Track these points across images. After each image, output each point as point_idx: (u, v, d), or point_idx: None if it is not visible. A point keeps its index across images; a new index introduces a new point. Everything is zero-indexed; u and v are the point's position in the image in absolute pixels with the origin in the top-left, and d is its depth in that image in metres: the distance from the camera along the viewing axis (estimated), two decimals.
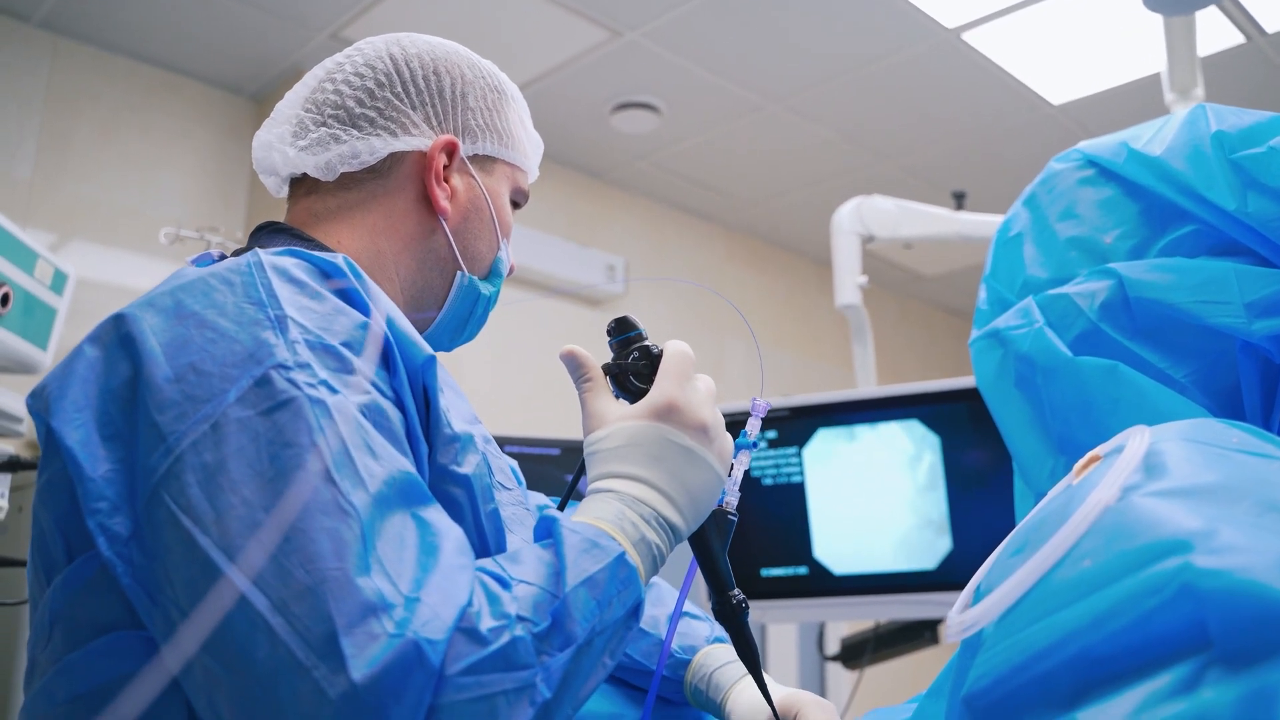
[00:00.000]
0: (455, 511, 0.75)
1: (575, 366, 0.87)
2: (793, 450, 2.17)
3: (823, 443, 2.14)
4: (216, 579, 0.61)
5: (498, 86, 1.01)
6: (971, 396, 1.87)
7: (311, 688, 0.58)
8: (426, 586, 0.62)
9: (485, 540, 0.77)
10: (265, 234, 0.93)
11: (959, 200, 3.00)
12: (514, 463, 1.05)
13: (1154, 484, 0.57)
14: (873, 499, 2.08)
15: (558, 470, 2.53)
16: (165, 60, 3.55)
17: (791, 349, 5.33)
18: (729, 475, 0.88)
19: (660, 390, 0.82)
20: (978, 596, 0.65)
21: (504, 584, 0.67)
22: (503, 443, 2.61)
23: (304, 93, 0.95)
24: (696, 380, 0.84)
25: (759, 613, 2.13)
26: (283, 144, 0.94)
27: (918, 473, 2.05)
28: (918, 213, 2.27)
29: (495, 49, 3.46)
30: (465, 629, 0.62)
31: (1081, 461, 0.70)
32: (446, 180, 0.95)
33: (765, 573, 2.18)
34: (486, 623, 0.63)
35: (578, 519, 0.76)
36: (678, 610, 0.90)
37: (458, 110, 0.96)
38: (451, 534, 0.68)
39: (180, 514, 0.64)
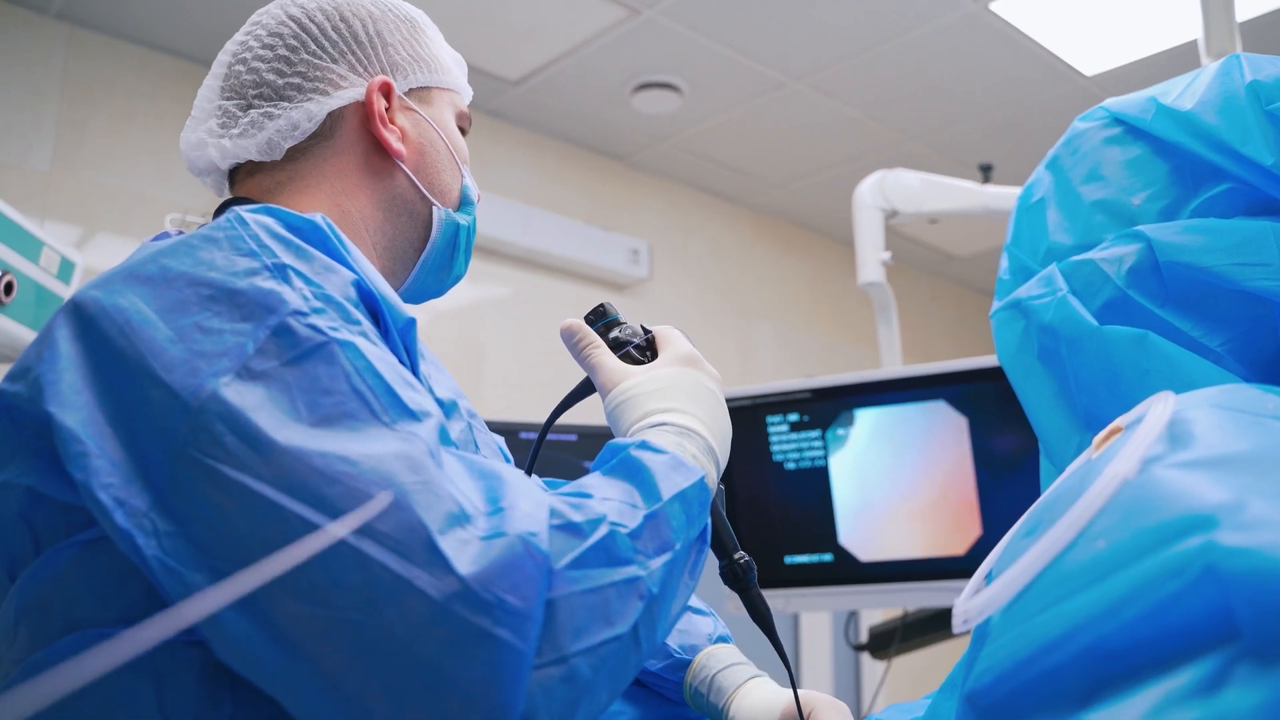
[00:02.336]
0: None
1: (577, 336, 0.87)
2: (815, 434, 2.12)
3: (846, 426, 2.08)
4: (284, 519, 0.57)
5: (407, 16, 0.97)
6: (999, 376, 1.79)
7: (418, 598, 0.54)
8: (505, 498, 0.60)
9: None
10: (231, 208, 0.88)
11: (985, 173, 2.91)
12: (499, 439, 1.01)
13: (1178, 454, 0.51)
14: (898, 483, 2.03)
15: (576, 457, 2.49)
16: (179, 48, 3.53)
17: (820, 331, 5.26)
18: None
19: (680, 346, 0.85)
20: (989, 582, 0.59)
21: (584, 496, 0.66)
22: (524, 429, 2.57)
23: (217, 82, 0.92)
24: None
25: (783, 601, 2.08)
26: (214, 138, 0.89)
27: (945, 456, 1.99)
28: (943, 186, 2.20)
29: (511, 31, 3.41)
30: (560, 525, 0.61)
31: (1102, 434, 0.64)
32: (392, 122, 0.91)
33: (789, 560, 2.13)
34: (580, 516, 0.62)
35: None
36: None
37: (379, 50, 0.92)
38: (508, 467, 0.66)
39: (220, 466, 0.59)
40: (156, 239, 0.80)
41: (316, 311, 0.65)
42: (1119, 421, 0.63)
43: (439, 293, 1.00)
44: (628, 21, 3.34)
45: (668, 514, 0.67)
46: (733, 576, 0.85)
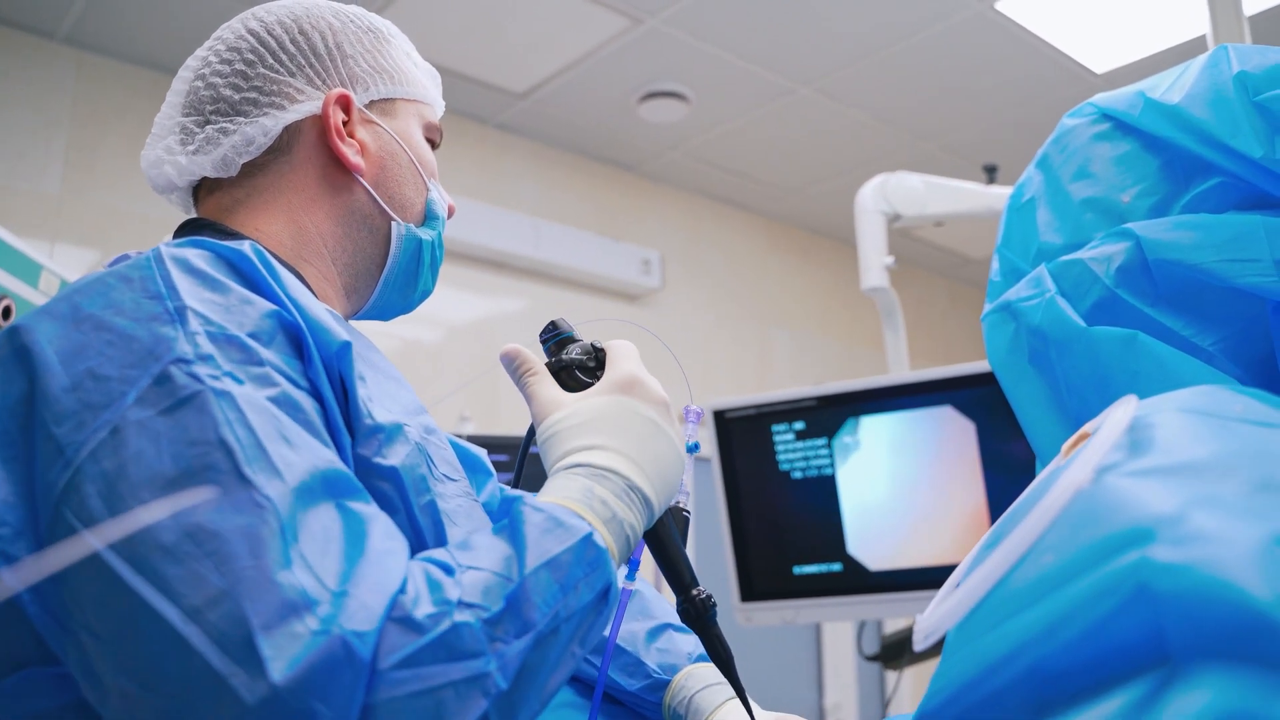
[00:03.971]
0: (385, 505, 0.70)
1: (516, 362, 0.83)
2: (822, 441, 2.09)
3: (852, 433, 2.05)
4: (124, 594, 0.56)
5: (371, 27, 0.95)
6: None
7: (231, 697, 0.52)
8: (354, 578, 0.57)
9: (421, 535, 0.72)
10: (188, 231, 0.88)
11: (990, 174, 2.88)
12: (481, 451, 0.99)
13: (1135, 462, 0.48)
14: (906, 491, 1.99)
15: None
16: None
17: (838, 337, 5.22)
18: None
19: (619, 368, 0.80)
20: None
21: (448, 570, 0.62)
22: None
23: (178, 99, 0.90)
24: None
25: (792, 612, 2.05)
26: (172, 155, 0.88)
27: (953, 461, 1.96)
28: (947, 188, 2.17)
29: (515, 44, 3.41)
30: (398, 618, 0.57)
31: (1071, 439, 0.62)
32: (351, 135, 0.89)
33: (798, 570, 2.10)
34: (424, 609, 0.58)
35: (542, 498, 0.70)
36: (621, 610, 0.85)
37: (337, 62, 0.90)
38: (379, 520, 0.63)
39: (84, 530, 0.59)
40: (112, 263, 0.79)
41: (202, 358, 0.64)
42: (1087, 427, 0.61)
43: (406, 309, 0.98)
44: (631, 31, 3.33)
45: (533, 588, 0.62)
46: (689, 615, 0.80)
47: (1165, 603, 0.34)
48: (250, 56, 0.88)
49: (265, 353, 0.67)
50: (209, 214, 0.89)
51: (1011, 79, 3.65)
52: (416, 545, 0.72)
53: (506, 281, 4.10)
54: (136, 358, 0.63)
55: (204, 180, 0.90)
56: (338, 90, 0.89)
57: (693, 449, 0.89)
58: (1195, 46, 3.36)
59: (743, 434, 2.15)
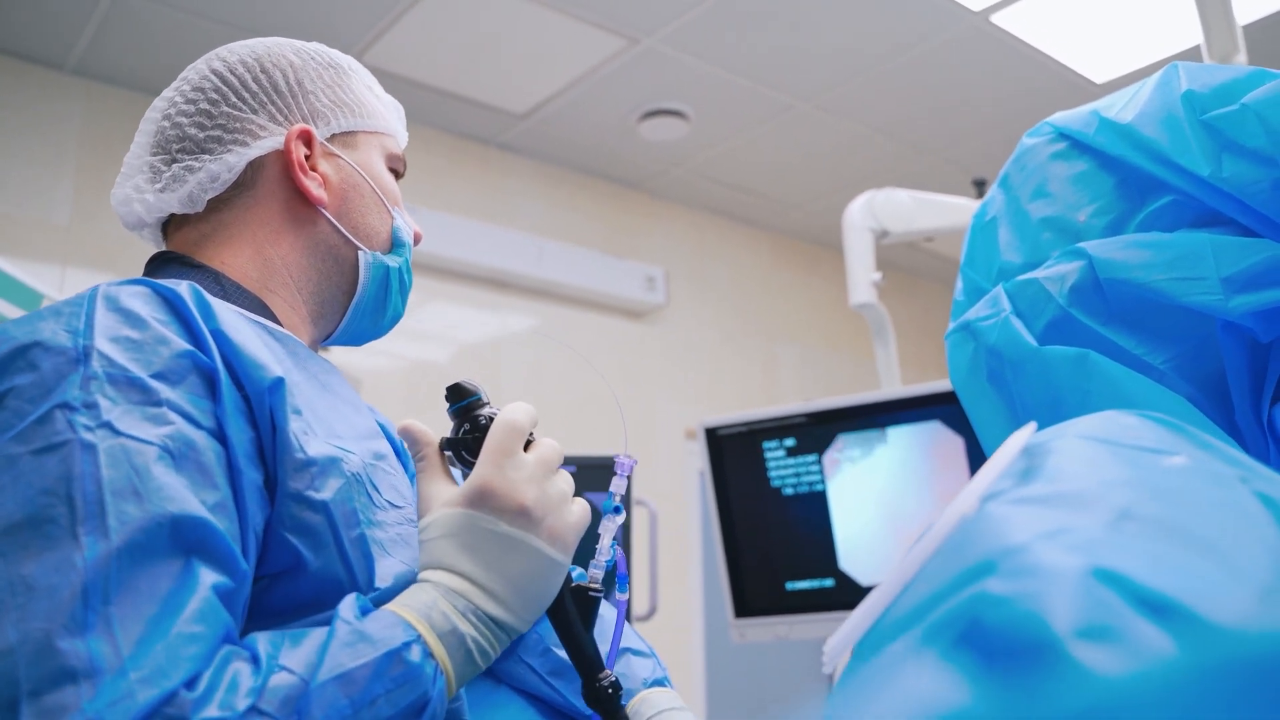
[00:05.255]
0: (314, 539, 0.72)
1: (410, 444, 0.83)
2: (812, 458, 2.09)
3: (841, 449, 2.05)
4: None
5: (331, 63, 0.97)
6: None
7: None
8: (147, 658, 0.58)
9: (351, 567, 0.73)
10: (157, 265, 0.90)
11: (980, 188, 2.88)
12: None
13: (1020, 490, 0.49)
14: (897, 506, 2.00)
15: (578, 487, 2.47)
16: None
17: (846, 351, 5.21)
18: (596, 545, 0.84)
19: (475, 474, 0.77)
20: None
21: (258, 668, 0.62)
22: None
23: (147, 139, 0.93)
24: (520, 456, 0.78)
25: (785, 628, 2.05)
26: (140, 193, 0.91)
27: (942, 476, 1.96)
28: (935, 203, 2.17)
29: (514, 66, 3.44)
30: (171, 715, 0.57)
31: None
32: (314, 169, 0.92)
33: (790, 586, 2.10)
34: (206, 712, 0.58)
35: (388, 606, 0.71)
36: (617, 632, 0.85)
37: (299, 99, 0.93)
38: (201, 594, 0.63)
39: None
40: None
41: (87, 406, 0.65)
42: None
43: (376, 334, 1.00)
44: (627, 51, 3.35)
45: (316, 702, 0.61)
46: (594, 699, 0.79)
47: (991, 637, 0.34)
48: (214, 95, 0.90)
49: (168, 392, 0.69)
50: (177, 248, 0.92)
51: (1011, 90, 3.66)
52: (345, 577, 0.73)
53: (512, 300, 4.12)
54: (37, 392, 0.66)
55: (172, 216, 0.92)
56: (299, 125, 0.91)
57: (613, 510, 0.86)
58: (1194, 56, 3.36)
59: (735, 451, 2.15)
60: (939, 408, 1.94)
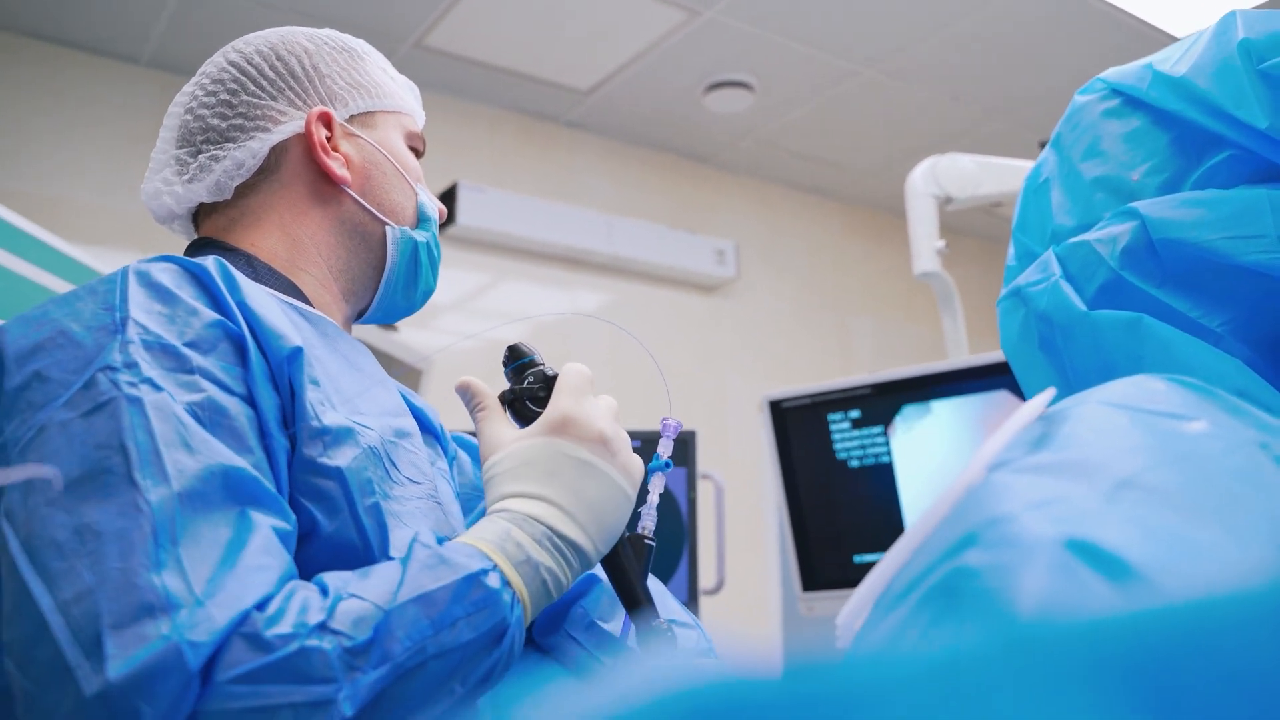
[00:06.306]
0: (328, 504, 0.74)
1: (468, 397, 0.85)
2: (878, 430, 2.07)
3: (908, 420, 2.02)
4: (18, 581, 0.62)
5: (345, 47, 0.99)
6: None
7: (74, 690, 0.57)
8: (215, 588, 0.60)
9: (365, 533, 0.75)
10: (194, 251, 0.93)
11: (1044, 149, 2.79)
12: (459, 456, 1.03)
13: (1030, 457, 0.48)
14: None
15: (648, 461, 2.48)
16: None
17: (920, 322, 5.13)
18: (645, 499, 0.86)
19: (554, 406, 0.80)
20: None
21: (326, 594, 0.64)
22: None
23: (171, 134, 0.96)
24: (595, 397, 0.82)
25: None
26: (170, 186, 0.94)
27: None
28: (1002, 168, 2.11)
29: (577, 42, 3.43)
30: (247, 634, 0.60)
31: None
32: (335, 149, 0.94)
33: (858, 559, 2.08)
34: (279, 629, 0.60)
35: (460, 539, 0.72)
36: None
37: (315, 82, 0.95)
38: (263, 532, 0.65)
39: (3, 520, 0.65)
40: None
41: (127, 366, 0.68)
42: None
43: (410, 309, 1.02)
44: (689, 24, 3.32)
45: (397, 622, 0.64)
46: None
47: (963, 610, 0.33)
48: (233, 85, 0.93)
49: (200, 360, 0.71)
50: (208, 235, 0.95)
51: (1088, 49, 3.54)
52: (360, 545, 0.74)
53: (584, 278, 4.13)
54: (79, 363, 0.69)
55: (201, 206, 0.95)
56: (318, 108, 0.93)
57: (663, 467, 0.88)
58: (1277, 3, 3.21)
59: (799, 424, 2.14)
60: (1006, 376, 1.90)
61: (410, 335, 3.47)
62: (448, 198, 3.74)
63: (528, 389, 0.83)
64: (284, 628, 0.60)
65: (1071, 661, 0.23)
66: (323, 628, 0.61)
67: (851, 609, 0.51)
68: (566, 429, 0.79)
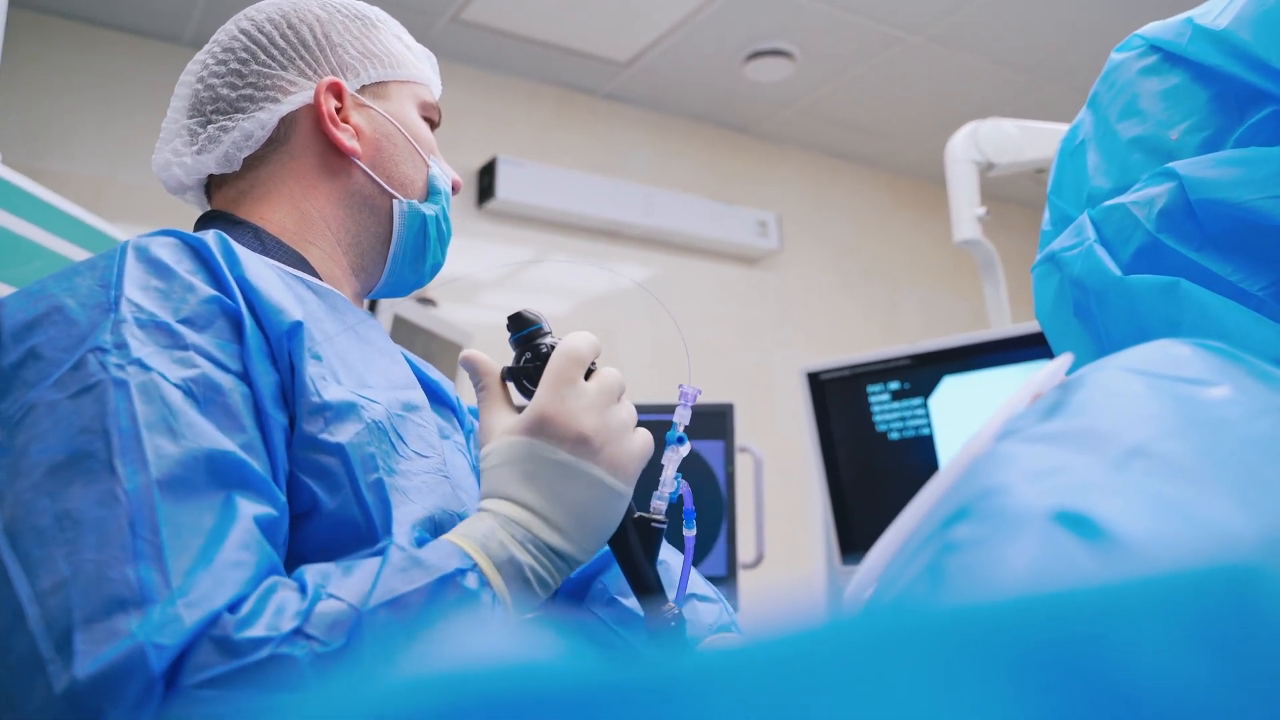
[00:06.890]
0: (329, 481, 0.73)
1: (471, 373, 0.83)
2: (918, 401, 2.03)
3: (949, 391, 1.99)
4: (1, 567, 0.61)
5: (358, 15, 0.97)
6: None
7: (43, 685, 0.56)
8: (192, 583, 0.59)
9: (368, 511, 0.74)
10: (203, 224, 0.93)
11: None
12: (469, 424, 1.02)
13: (1040, 425, 0.46)
14: None
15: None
16: None
17: (967, 294, 5.05)
18: (660, 477, 0.83)
19: (534, 402, 0.77)
20: None
21: (304, 594, 0.63)
22: (660, 411, 2.54)
23: (182, 103, 0.94)
24: (580, 385, 0.77)
25: None
26: (179, 156, 0.93)
27: None
28: (1047, 132, 2.06)
29: (613, 14, 3.40)
30: (216, 636, 0.58)
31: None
32: (345, 120, 0.92)
33: None
34: (251, 632, 0.59)
35: (447, 536, 0.71)
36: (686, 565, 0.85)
37: (326, 52, 0.93)
38: (243, 524, 0.64)
39: None
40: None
41: (117, 347, 0.67)
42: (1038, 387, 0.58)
43: (419, 283, 1.00)
44: None
45: (369, 627, 0.62)
46: (660, 631, 0.79)
47: (949, 587, 0.32)
48: (244, 55, 0.92)
49: (194, 337, 0.71)
50: (219, 208, 0.94)
51: (1136, 10, 3.44)
52: (362, 520, 0.73)
53: (625, 250, 4.12)
54: (71, 341, 0.68)
55: (211, 177, 0.94)
56: (329, 78, 0.91)
57: (677, 440, 0.84)
58: None
59: (838, 396, 2.11)
60: (1046, 346, 1.85)
61: (450, 311, 3.48)
62: (487, 172, 3.74)
63: (524, 367, 0.81)
64: (257, 630, 0.59)
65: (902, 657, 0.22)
66: (297, 633, 0.60)
67: (859, 581, 0.50)
68: (543, 429, 0.75)
